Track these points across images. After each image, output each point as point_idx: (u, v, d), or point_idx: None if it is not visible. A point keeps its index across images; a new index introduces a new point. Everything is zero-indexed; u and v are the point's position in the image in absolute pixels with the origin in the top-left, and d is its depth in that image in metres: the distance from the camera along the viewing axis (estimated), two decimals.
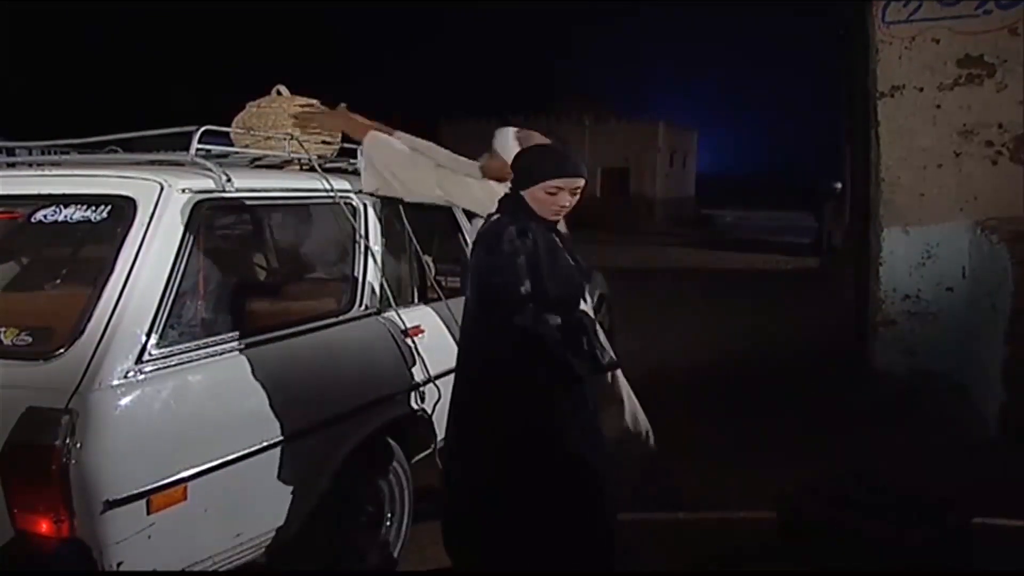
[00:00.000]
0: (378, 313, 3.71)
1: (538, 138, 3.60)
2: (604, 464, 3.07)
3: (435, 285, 4.18)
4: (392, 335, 3.71)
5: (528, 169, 3.01)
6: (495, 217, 3.08)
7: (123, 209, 2.90)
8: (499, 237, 2.90)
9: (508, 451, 2.95)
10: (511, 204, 3.05)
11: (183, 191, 2.96)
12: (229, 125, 4.02)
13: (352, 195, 3.79)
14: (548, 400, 2.92)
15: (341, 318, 3.55)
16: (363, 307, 3.64)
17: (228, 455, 2.80)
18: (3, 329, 2.71)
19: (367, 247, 3.74)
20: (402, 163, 3.79)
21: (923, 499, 3.73)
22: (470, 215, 4.33)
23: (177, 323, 2.80)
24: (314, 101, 4.12)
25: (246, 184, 3.28)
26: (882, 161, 6.85)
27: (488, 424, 2.98)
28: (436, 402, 3.80)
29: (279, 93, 4.15)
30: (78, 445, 2.40)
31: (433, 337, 3.90)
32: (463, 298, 4.11)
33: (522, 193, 2.99)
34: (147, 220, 2.83)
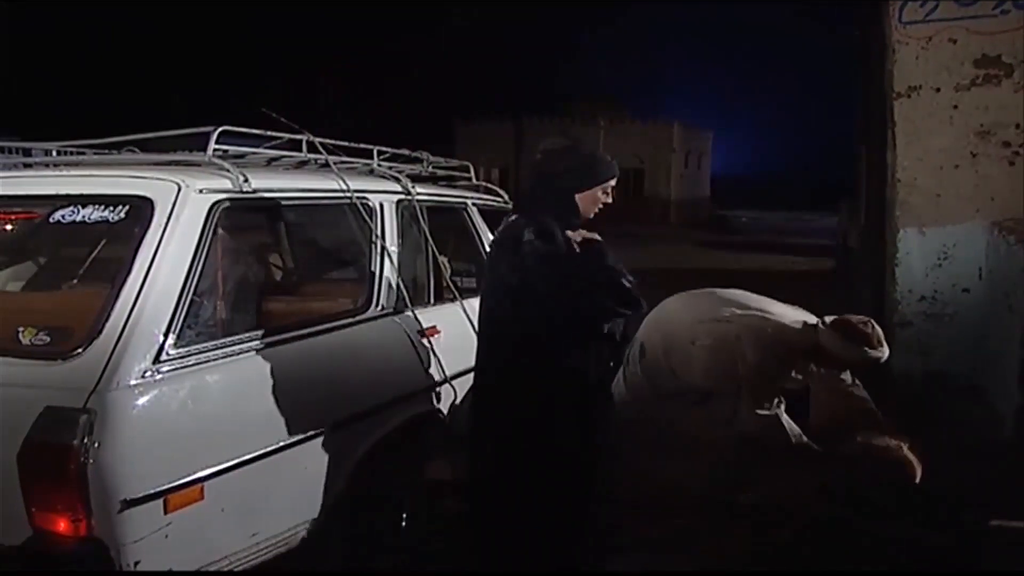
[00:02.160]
0: (394, 313, 3.71)
1: None
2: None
3: (451, 285, 4.19)
4: (408, 335, 3.71)
5: (591, 170, 3.15)
6: (514, 218, 3.11)
7: (141, 209, 2.90)
8: (554, 238, 2.99)
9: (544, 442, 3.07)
10: (551, 206, 3.11)
11: (201, 191, 2.97)
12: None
13: (368, 195, 3.79)
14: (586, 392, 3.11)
15: (358, 318, 3.55)
16: (379, 307, 3.64)
17: (245, 455, 2.81)
18: (22, 328, 2.73)
19: (383, 247, 3.74)
20: None
21: (939, 501, 3.71)
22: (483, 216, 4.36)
23: (195, 323, 2.80)
24: None
25: (263, 184, 3.29)
26: (898, 162, 6.80)
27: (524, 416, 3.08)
28: (452, 402, 3.80)
29: None
30: (96, 444, 2.41)
31: (449, 337, 3.91)
32: (479, 298, 4.12)
33: (578, 195, 3.11)
34: (165, 220, 2.84)
